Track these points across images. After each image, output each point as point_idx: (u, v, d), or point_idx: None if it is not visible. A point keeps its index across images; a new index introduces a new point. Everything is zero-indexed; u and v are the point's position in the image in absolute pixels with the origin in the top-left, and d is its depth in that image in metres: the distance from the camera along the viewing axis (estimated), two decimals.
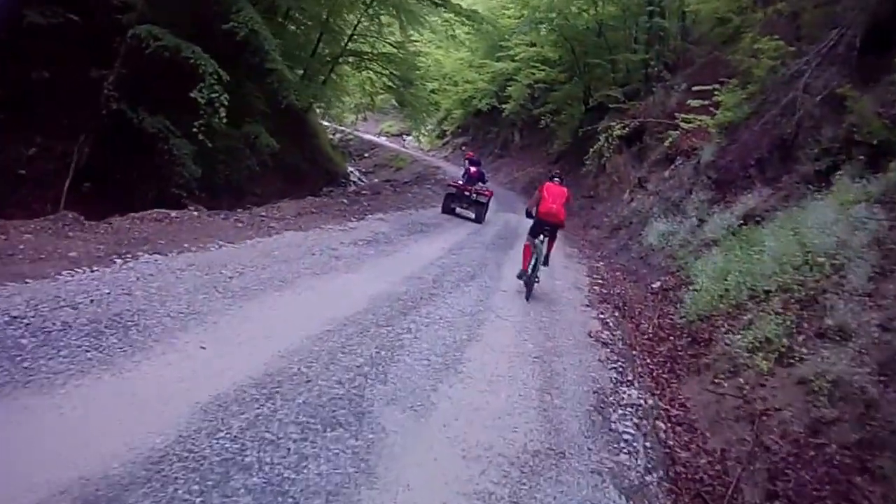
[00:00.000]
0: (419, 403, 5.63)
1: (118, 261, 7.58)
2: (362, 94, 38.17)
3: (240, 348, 5.86)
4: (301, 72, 27.51)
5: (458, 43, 50.07)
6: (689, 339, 8.81)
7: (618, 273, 15.14)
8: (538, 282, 10.88)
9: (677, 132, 17.60)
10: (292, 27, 26.55)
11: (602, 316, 10.72)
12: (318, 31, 27.59)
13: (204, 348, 5.66)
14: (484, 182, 20.28)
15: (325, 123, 44.17)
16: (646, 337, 9.69)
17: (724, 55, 17.47)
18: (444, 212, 19.95)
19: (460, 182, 20.18)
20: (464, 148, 49.31)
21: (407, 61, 32.76)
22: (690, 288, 10.36)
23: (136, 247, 8.35)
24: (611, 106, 26.66)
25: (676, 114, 17.85)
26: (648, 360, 8.68)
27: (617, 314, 11.03)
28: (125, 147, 14.43)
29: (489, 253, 14.23)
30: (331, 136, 46.43)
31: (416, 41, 37.40)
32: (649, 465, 5.66)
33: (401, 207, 19.49)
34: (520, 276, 10.73)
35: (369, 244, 12.21)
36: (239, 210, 13.08)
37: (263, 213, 12.92)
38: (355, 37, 30.89)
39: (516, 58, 37.22)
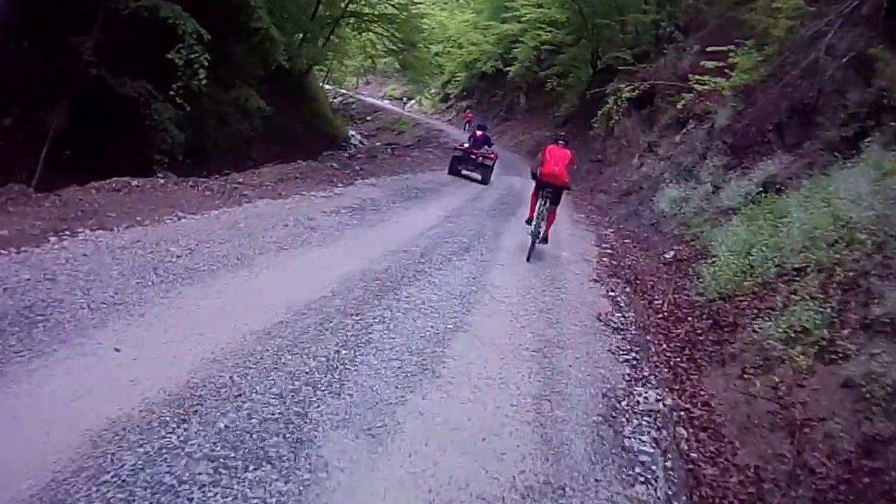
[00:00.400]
0: (379, 424, 4.36)
1: (52, 239, 6.53)
2: (363, 56, 37.12)
3: (163, 350, 4.71)
4: (300, 35, 27.42)
5: (462, 4, 49.85)
6: (710, 321, 7.70)
7: (627, 241, 14.14)
8: (540, 241, 10.77)
9: (691, 94, 16.57)
10: None
11: (612, 293, 9.51)
12: None
13: (118, 351, 4.56)
14: (489, 146, 20.52)
15: (327, 87, 43.80)
16: (660, 316, 8.58)
17: (739, 15, 16.59)
18: (450, 173, 20.19)
19: (466, 145, 20.56)
20: (468, 110, 48.44)
21: (409, 22, 31.88)
22: (708, 261, 9.39)
23: (81, 221, 7.30)
24: (620, 68, 25.46)
25: (691, 75, 16.91)
26: (665, 346, 7.52)
27: (628, 290, 9.87)
28: (106, 114, 13.77)
29: (488, 220, 13.27)
30: (332, 100, 46.16)
31: (419, 2, 36.44)
32: (670, 493, 4.54)
33: (396, 171, 18.48)
34: (528, 222, 11.14)
35: (354, 213, 11.09)
36: (216, 176, 12.11)
37: (240, 180, 11.79)
38: None
39: (522, 19, 35.75)
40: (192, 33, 13.45)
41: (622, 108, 22.24)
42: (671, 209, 14.22)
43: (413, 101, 59.60)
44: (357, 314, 6.25)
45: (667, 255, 11.67)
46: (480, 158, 19.94)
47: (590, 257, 11.97)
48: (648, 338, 7.81)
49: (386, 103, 59.59)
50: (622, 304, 9.11)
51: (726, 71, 14.90)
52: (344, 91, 53.92)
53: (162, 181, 10.25)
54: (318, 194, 12.03)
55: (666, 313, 8.73)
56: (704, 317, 8.03)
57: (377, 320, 6.22)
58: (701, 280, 9.07)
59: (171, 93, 13.74)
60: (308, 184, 12.94)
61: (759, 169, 11.83)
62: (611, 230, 15.68)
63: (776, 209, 9.14)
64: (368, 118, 50.07)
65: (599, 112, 23.63)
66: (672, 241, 12.58)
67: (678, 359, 7.16)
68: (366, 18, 31.00)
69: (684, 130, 17.59)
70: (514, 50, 38.51)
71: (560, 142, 11.28)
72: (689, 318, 8.32)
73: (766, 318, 6.60)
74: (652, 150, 19.48)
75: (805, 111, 11.45)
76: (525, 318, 7.51)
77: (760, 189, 10.97)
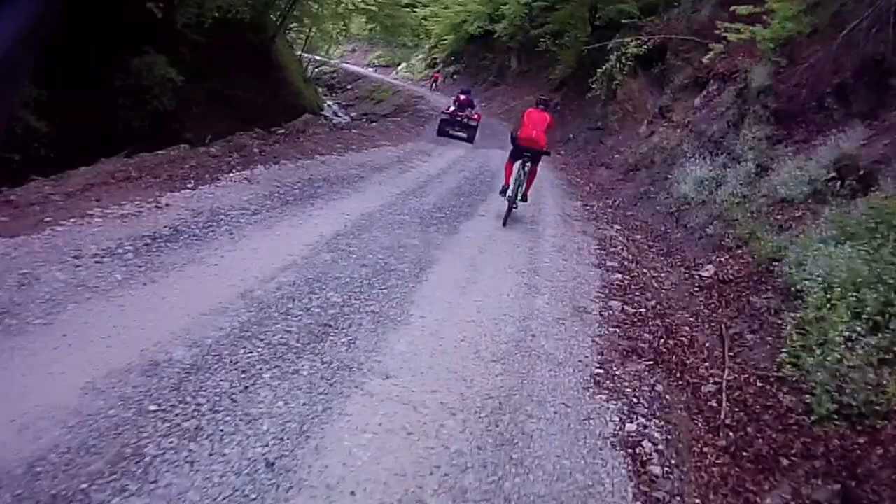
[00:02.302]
0: None
1: None
2: (333, 17, 33.76)
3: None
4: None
5: None
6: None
7: (639, 238, 10.89)
8: (517, 208, 10.55)
9: (721, 45, 13.33)
10: None
11: (640, 415, 4.95)
12: None
13: None
14: (473, 108, 22.36)
15: (306, 56, 40.92)
16: (714, 434, 4.75)
17: None
18: (439, 134, 21.50)
19: (452, 108, 22.24)
20: (455, 77, 45.90)
21: None
22: (789, 302, 6.14)
23: None
24: (623, 22, 21.95)
25: (719, 23, 13.52)
26: None
27: (659, 387, 5.41)
28: None
29: (417, 238, 8.23)
30: (313, 69, 43.64)
31: None
32: None
33: (335, 149, 14.05)
34: (502, 192, 10.76)
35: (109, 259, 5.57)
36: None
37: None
38: None
39: None
40: None
41: (627, 67, 18.84)
42: (698, 194, 10.98)
43: (401, 68, 56.99)
44: None
45: (703, 272, 8.27)
46: (465, 120, 21.63)
47: (588, 291, 7.58)
48: None
49: (370, 71, 56.44)
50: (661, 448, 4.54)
51: (765, 18, 11.72)
52: (325, 59, 50.92)
53: None
54: (117, 213, 6.66)
55: (726, 425, 4.83)
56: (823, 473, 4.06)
57: None
58: (786, 346, 5.54)
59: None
60: (129, 189, 7.65)
61: (822, 145, 8.95)
62: (617, 226, 11.93)
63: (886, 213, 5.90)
64: (349, 87, 47.02)
65: (600, 71, 20.12)
66: (707, 245, 9.31)
67: None
68: None
69: (704, 93, 14.52)
70: (503, 7, 35.01)
71: (539, 105, 10.94)
72: (790, 460, 4.31)
73: None
74: (664, 116, 16.30)
75: (878, 70, 8.96)
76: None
77: (833, 176, 8.05)
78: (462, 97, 22.33)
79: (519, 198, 10.38)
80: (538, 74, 35.23)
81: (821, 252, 6.27)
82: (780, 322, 6.09)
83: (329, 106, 37.06)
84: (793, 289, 6.28)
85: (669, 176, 12.82)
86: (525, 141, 10.28)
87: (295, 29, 36.66)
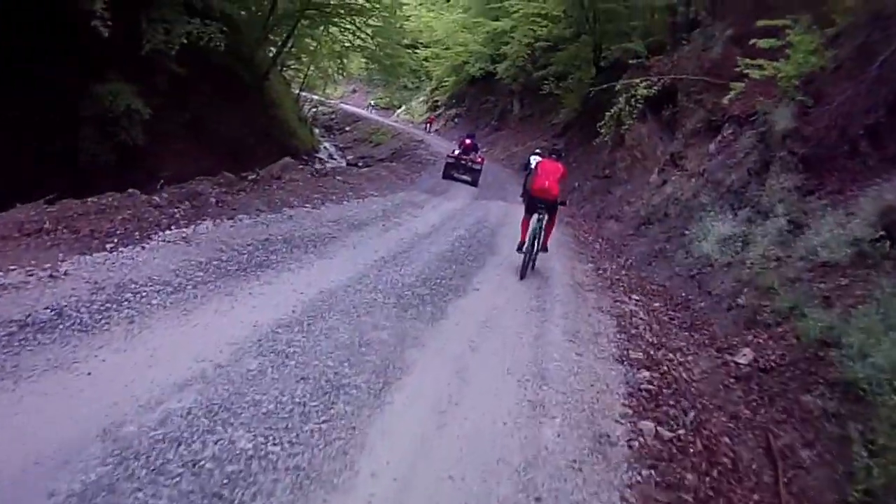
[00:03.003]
0: None
1: None
2: (330, 54, 33.03)
3: None
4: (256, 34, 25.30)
5: (451, 4, 46.11)
6: None
7: (657, 305, 9.50)
8: (540, 250, 10.35)
9: (741, 84, 12.13)
10: None
11: None
12: None
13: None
14: (477, 152, 23.12)
15: (304, 95, 40.35)
16: None
17: None
18: (444, 178, 22.19)
19: (457, 152, 22.83)
20: (456, 121, 45.91)
21: (377, 10, 28.45)
22: (861, 422, 4.70)
23: None
24: (630, 62, 20.68)
25: (735, 63, 12.39)
26: None
27: None
28: None
29: (388, 330, 6.27)
30: (310, 108, 43.58)
31: (404, 3, 33.18)
32: None
33: (311, 200, 12.25)
34: (518, 250, 10.26)
35: None
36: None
37: None
38: None
39: (514, 13, 31.70)
40: None
41: (637, 109, 17.59)
42: (721, 254, 9.67)
43: (401, 110, 56.40)
44: None
45: (739, 358, 6.75)
46: (469, 163, 22.23)
47: (611, 420, 5.35)
48: None
49: (370, 113, 55.78)
50: None
51: (786, 52, 10.62)
52: (323, 99, 50.39)
53: None
54: None
55: None
56: None
57: None
58: (856, 477, 4.31)
59: None
60: (30, 250, 6.24)
61: (859, 196, 7.76)
62: (635, 296, 10.05)
63: None
64: (347, 129, 46.30)
65: (607, 114, 18.81)
66: (738, 319, 7.85)
67: None
68: (328, 11, 26.94)
69: (719, 138, 13.38)
70: (504, 47, 34.30)
71: (553, 155, 10.86)
72: None
73: None
74: (676, 163, 15.08)
75: None
76: None
77: (882, 234, 6.78)
78: (467, 141, 23.00)
79: (536, 250, 10.19)
80: (541, 118, 34.63)
81: (890, 340, 5.01)
82: (841, 433, 4.79)
83: (325, 148, 36.48)
84: (854, 386, 5.01)
85: (687, 232, 11.52)
86: (539, 192, 10.09)
87: (293, 67, 36.71)
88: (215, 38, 16.16)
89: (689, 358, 7.14)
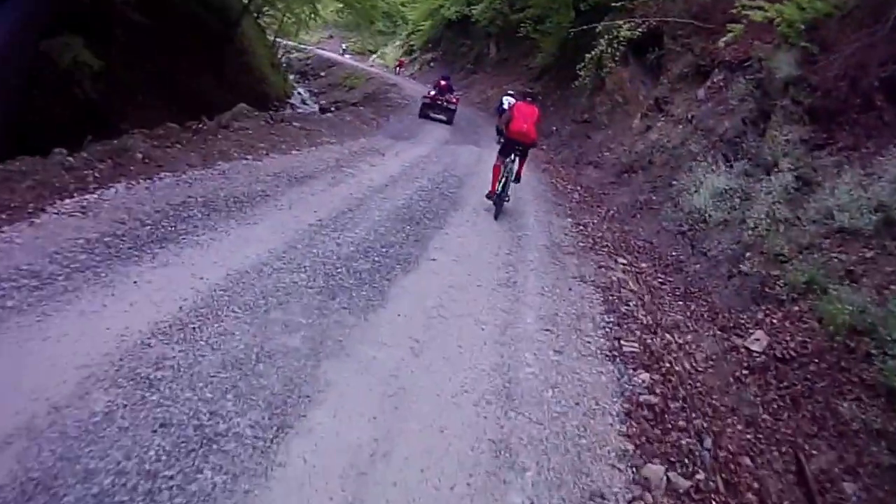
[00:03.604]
0: None
1: None
2: (301, 2, 31.46)
3: None
4: None
5: None
6: None
7: (645, 267, 8.45)
8: (508, 201, 10.13)
9: (742, 25, 10.91)
10: None
11: None
12: None
13: None
14: (452, 92, 23.43)
15: (280, 41, 39.20)
16: None
17: None
18: (420, 117, 22.40)
19: (433, 93, 23.10)
20: (432, 65, 44.30)
21: None
22: None
23: None
24: (612, 4, 19.41)
25: (730, 5, 11.23)
26: None
27: None
28: None
29: (303, 330, 4.71)
30: (286, 55, 42.63)
31: None
32: None
33: (255, 151, 10.29)
34: (489, 197, 10.18)
35: None
36: None
37: None
38: None
39: None
40: None
41: (618, 52, 16.24)
42: (717, 209, 8.58)
43: (377, 55, 54.79)
44: None
45: (751, 343, 5.61)
46: (445, 103, 22.61)
47: (605, 466, 3.92)
48: None
49: (346, 58, 53.89)
50: None
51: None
52: (298, 45, 48.82)
53: None
54: None
55: None
56: None
57: None
58: None
59: None
60: None
61: (877, 154, 6.81)
62: (622, 259, 8.74)
63: None
64: (322, 74, 44.59)
65: (587, 56, 17.41)
66: (743, 291, 6.74)
67: None
68: None
69: (708, 83, 12.19)
70: None
71: (528, 98, 11.00)
72: None
73: None
74: (661, 108, 13.94)
75: None
76: None
77: None
78: (442, 83, 23.45)
79: (512, 180, 10.08)
80: (518, 62, 33.23)
81: None
82: (892, 459, 3.80)
83: (299, 93, 35.14)
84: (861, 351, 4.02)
85: (674, 182, 10.44)
86: (517, 135, 10.04)
87: (268, 13, 35.02)
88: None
89: (689, 338, 6.02)
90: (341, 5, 31.59)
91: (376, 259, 6.54)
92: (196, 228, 6.17)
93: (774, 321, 5.74)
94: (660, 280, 7.92)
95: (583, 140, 17.94)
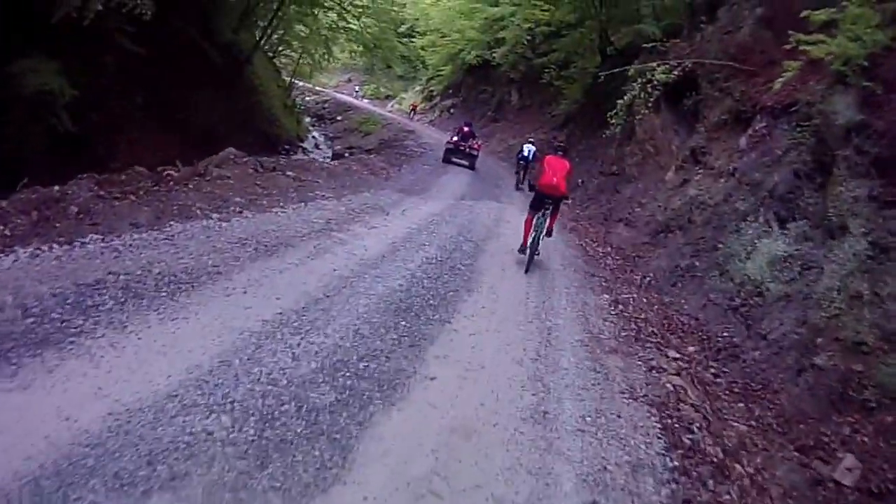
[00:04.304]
0: None
1: None
2: (317, 40, 31.06)
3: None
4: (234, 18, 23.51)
5: None
6: None
7: (692, 350, 7.17)
8: (538, 255, 9.99)
9: (797, 63, 9.74)
10: None
11: None
12: None
13: None
14: (475, 138, 24.23)
15: (297, 82, 39.54)
16: None
17: None
18: (444, 161, 23.29)
19: (455, 139, 23.86)
20: (452, 111, 43.77)
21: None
22: None
23: None
24: (644, 46, 18.24)
25: (792, 33, 10.02)
26: None
27: None
28: None
29: None
30: (302, 98, 43.07)
31: None
32: None
33: (228, 206, 8.72)
34: (521, 251, 10.11)
35: None
36: None
37: None
38: None
39: None
40: None
41: (652, 96, 14.97)
42: (776, 282, 7.39)
43: (395, 101, 54.31)
44: None
45: (838, 472, 4.33)
46: (467, 149, 23.40)
47: None
48: None
49: (364, 103, 53.49)
50: None
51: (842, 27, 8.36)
52: (316, 87, 48.86)
53: None
54: None
55: None
56: None
57: None
58: None
59: None
60: None
61: None
62: (672, 351, 7.16)
63: None
64: (339, 118, 44.01)
65: (619, 102, 15.78)
66: (818, 390, 5.48)
67: None
68: None
69: (750, 131, 11.09)
70: (502, 31, 32.39)
71: (559, 152, 10.91)
72: None
73: None
74: (697, 160, 12.86)
75: None
76: None
77: None
78: (465, 129, 24.27)
79: (540, 242, 9.98)
80: (541, 109, 32.48)
81: None
82: None
83: (314, 137, 34.58)
84: None
85: (720, 245, 9.29)
86: (547, 188, 10.06)
87: (283, 53, 35.25)
88: (144, 5, 12.26)
89: (760, 462, 4.69)
90: (359, 48, 31.00)
91: (348, 383, 4.59)
92: (96, 326, 4.47)
93: (865, 438, 4.50)
94: (713, 371, 6.66)
95: (611, 194, 16.85)
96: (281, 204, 9.80)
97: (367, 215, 10.76)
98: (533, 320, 7.39)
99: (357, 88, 59.30)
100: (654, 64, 14.70)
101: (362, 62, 44.13)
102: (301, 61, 36.38)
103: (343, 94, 57.21)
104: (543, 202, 10.13)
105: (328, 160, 23.09)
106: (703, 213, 10.88)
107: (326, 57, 33.45)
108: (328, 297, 6.27)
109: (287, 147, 26.24)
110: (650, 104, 14.96)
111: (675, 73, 14.33)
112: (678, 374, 6.47)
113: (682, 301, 8.98)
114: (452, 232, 11.10)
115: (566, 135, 24.79)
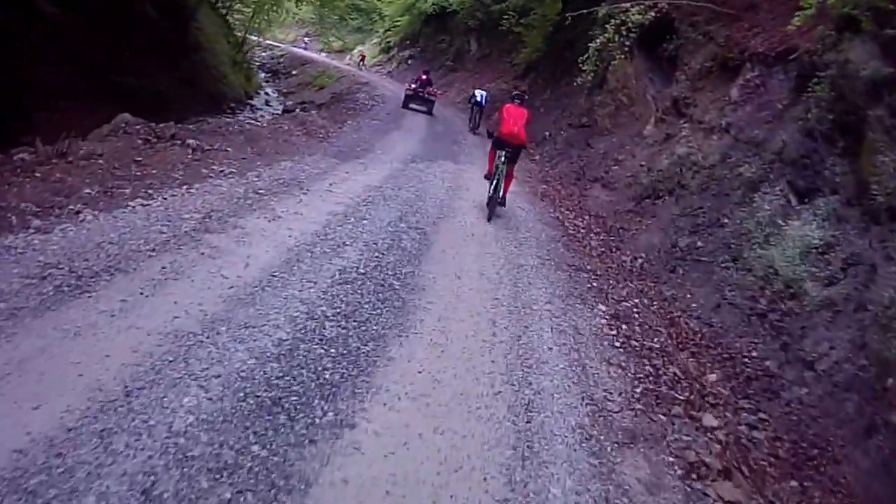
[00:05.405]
0: None
1: None
2: None
3: None
4: None
5: None
6: None
7: (713, 379, 5.32)
8: (503, 205, 9.99)
9: (812, 5, 7.99)
10: None
11: None
12: None
13: None
14: (432, 85, 24.97)
15: (252, 38, 37.46)
16: None
17: None
18: (403, 107, 23.62)
19: (414, 86, 24.48)
20: (410, 62, 41.99)
21: None
22: None
23: None
24: None
25: None
26: None
27: None
28: None
29: None
30: (257, 52, 41.34)
31: None
32: None
33: (67, 205, 5.81)
34: (487, 178, 10.25)
35: None
36: None
37: None
38: None
39: None
40: None
41: (627, 40, 12.94)
42: (817, 284, 5.58)
43: (355, 52, 52.39)
44: None
45: None
46: (426, 95, 23.93)
47: None
48: None
49: (322, 56, 51.34)
50: None
51: None
52: (273, 44, 47.51)
53: None
54: None
55: None
56: None
57: None
58: None
59: None
60: None
61: None
62: (721, 432, 4.50)
63: None
64: (294, 72, 41.92)
65: (591, 46, 13.40)
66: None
67: None
68: None
69: (741, 81, 9.51)
70: None
71: (516, 100, 10.46)
72: None
73: None
74: (681, 112, 11.18)
75: None
76: None
77: None
78: (423, 77, 24.92)
79: (499, 200, 9.89)
80: (501, 58, 30.93)
81: None
82: None
83: (266, 93, 32.74)
84: None
85: (725, 220, 7.60)
86: (507, 136, 9.83)
87: (236, 9, 33.53)
88: None
89: None
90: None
91: None
92: None
93: None
94: (746, 416, 4.71)
95: (583, 148, 14.97)
96: (151, 190, 6.78)
97: (273, 198, 7.64)
98: (502, 389, 4.47)
99: (306, 40, 57.69)
100: (628, 4, 12.77)
101: (316, 15, 42.31)
102: (254, 17, 34.41)
103: (299, 48, 55.13)
104: (503, 147, 9.87)
105: (276, 116, 21.31)
106: (698, 175, 9.18)
107: (277, 11, 31.52)
108: (132, 392, 3.36)
109: (233, 105, 24.57)
110: (625, 49, 13.10)
111: (651, 14, 12.51)
112: (727, 475, 3.99)
113: (688, 295, 7.11)
114: (391, 216, 8.16)
115: (528, 84, 23.45)
